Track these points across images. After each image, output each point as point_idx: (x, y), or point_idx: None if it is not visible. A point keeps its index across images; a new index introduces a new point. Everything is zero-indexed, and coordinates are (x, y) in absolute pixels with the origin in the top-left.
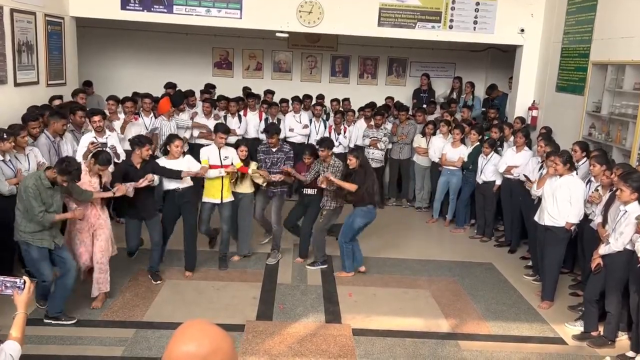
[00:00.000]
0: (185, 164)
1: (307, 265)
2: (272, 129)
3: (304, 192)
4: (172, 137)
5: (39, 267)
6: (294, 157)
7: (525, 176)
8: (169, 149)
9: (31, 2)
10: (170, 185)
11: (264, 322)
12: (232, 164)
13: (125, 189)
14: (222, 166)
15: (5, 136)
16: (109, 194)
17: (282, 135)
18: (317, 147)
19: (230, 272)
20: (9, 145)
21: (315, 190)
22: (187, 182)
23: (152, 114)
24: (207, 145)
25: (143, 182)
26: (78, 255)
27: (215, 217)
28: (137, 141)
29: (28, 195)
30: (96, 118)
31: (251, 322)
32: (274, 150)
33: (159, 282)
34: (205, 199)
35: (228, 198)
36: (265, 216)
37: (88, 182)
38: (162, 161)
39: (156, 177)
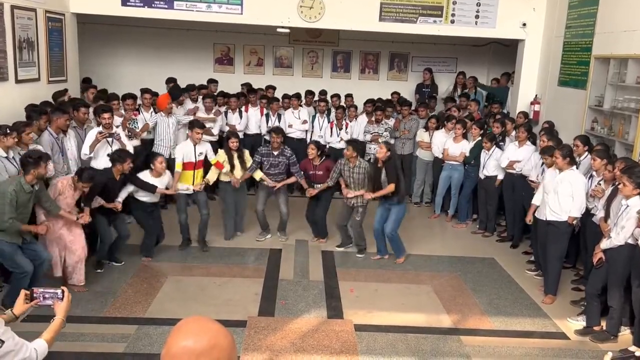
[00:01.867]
0: (166, 180)
1: (336, 246)
2: (278, 129)
3: (315, 186)
4: (154, 155)
5: (16, 260)
6: (294, 152)
7: (532, 181)
8: (152, 166)
9: None
10: (141, 196)
11: (266, 318)
12: (205, 158)
13: (89, 219)
14: (196, 163)
15: (8, 131)
16: (72, 218)
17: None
18: (346, 145)
19: (232, 268)
20: (12, 141)
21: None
22: (156, 198)
23: (152, 109)
24: (208, 142)
25: (110, 205)
26: (55, 247)
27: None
28: (118, 157)
29: (4, 200)
30: (106, 115)
31: (253, 318)
32: (275, 153)
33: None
34: (179, 186)
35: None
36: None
37: (71, 195)
38: (145, 175)
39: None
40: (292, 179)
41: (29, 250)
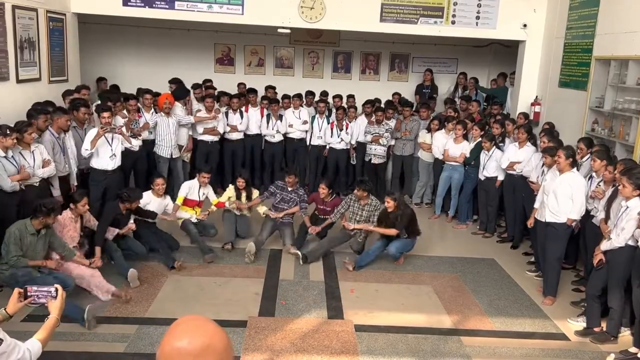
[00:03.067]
0: (166, 202)
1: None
2: (292, 170)
3: (321, 217)
4: (155, 176)
5: (33, 278)
6: (294, 152)
7: (532, 182)
8: (152, 186)
9: None
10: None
11: (267, 318)
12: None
13: (101, 263)
14: (199, 202)
15: (7, 132)
16: (85, 263)
17: (283, 130)
18: (356, 186)
19: (232, 268)
20: (10, 142)
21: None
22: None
23: (152, 110)
24: (211, 142)
25: (125, 229)
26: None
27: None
28: (127, 197)
29: (9, 240)
30: (106, 114)
31: (253, 318)
32: (289, 189)
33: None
34: (184, 214)
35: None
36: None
37: (74, 228)
38: (148, 195)
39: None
40: (295, 209)
41: (52, 278)
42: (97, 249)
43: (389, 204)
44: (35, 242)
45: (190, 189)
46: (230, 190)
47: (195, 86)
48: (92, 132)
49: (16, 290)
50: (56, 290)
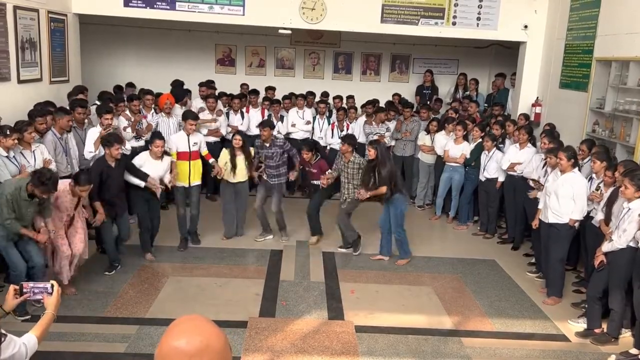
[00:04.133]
0: (165, 164)
1: (338, 247)
2: (265, 123)
3: (313, 182)
4: (153, 137)
5: (9, 255)
6: (297, 153)
7: (534, 180)
8: (151, 147)
9: None
10: (137, 182)
11: (267, 318)
12: (199, 150)
13: (104, 218)
14: (190, 153)
15: (8, 132)
16: (85, 214)
17: (284, 131)
18: (340, 141)
19: (232, 269)
20: (11, 142)
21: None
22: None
23: (152, 110)
24: (213, 142)
25: (96, 220)
26: (61, 247)
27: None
28: (106, 141)
29: (1, 200)
30: (108, 116)
31: (254, 319)
32: (267, 145)
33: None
34: (176, 182)
35: (196, 182)
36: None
37: (69, 200)
38: (144, 155)
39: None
40: (292, 174)
41: (23, 251)
42: (97, 204)
43: (370, 152)
44: (28, 206)
45: (179, 141)
46: (224, 154)
47: (202, 84)
48: (92, 133)
49: (12, 286)
50: (52, 286)
